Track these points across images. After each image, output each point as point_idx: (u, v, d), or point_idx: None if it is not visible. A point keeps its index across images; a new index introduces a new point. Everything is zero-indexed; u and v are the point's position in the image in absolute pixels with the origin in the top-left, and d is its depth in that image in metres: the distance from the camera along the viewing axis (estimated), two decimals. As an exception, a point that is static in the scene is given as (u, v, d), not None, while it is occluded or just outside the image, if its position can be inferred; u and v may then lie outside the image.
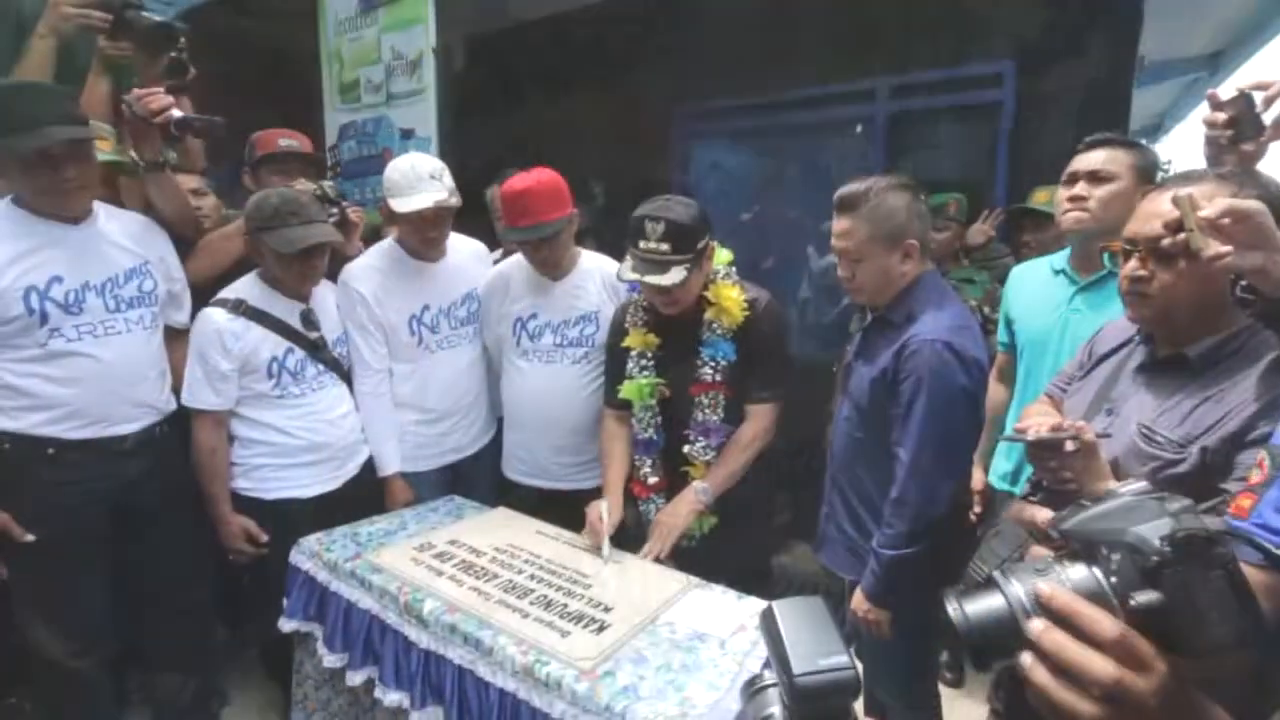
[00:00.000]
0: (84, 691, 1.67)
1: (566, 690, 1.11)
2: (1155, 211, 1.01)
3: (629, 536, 2.16)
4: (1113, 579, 0.50)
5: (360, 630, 1.44)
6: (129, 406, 1.65)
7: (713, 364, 1.67)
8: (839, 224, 1.43)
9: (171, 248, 1.82)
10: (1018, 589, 0.51)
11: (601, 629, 1.26)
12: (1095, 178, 1.51)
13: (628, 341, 1.77)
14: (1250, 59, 4.07)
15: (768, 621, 0.57)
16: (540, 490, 2.01)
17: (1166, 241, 0.96)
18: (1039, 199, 2.31)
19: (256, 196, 1.74)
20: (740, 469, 1.68)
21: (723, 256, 1.72)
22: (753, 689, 0.62)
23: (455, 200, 1.91)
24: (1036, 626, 0.48)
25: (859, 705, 1.76)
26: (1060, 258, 1.69)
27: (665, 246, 1.54)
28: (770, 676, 0.61)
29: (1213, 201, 0.87)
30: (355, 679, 1.43)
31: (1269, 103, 1.17)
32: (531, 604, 1.34)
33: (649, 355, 1.75)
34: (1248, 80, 1.20)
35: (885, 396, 1.40)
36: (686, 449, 1.71)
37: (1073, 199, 1.53)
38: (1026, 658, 0.48)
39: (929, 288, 1.42)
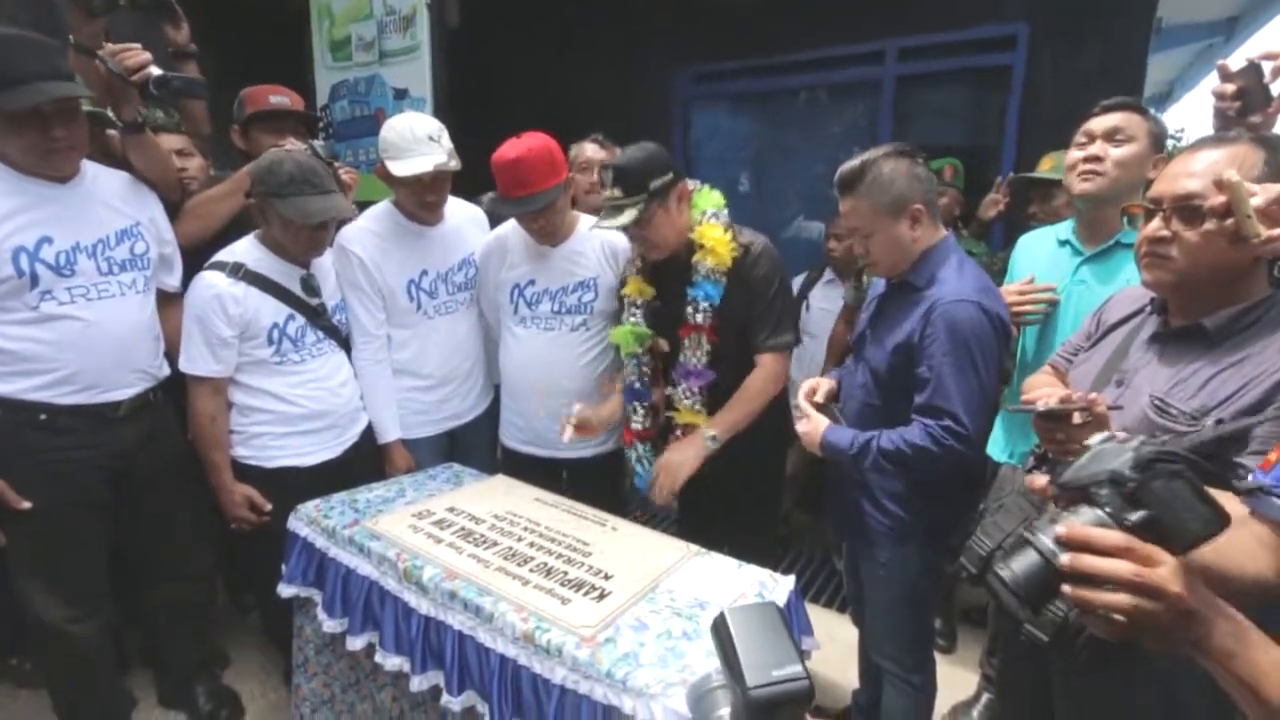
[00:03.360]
0: (85, 656, 1.67)
1: (567, 657, 1.11)
2: (1185, 171, 0.98)
3: (626, 499, 2.17)
4: (1107, 509, 0.64)
5: (359, 596, 1.44)
6: (123, 372, 1.62)
7: (694, 305, 1.66)
8: (843, 205, 1.42)
9: (161, 209, 1.77)
10: (1044, 540, 0.65)
11: (602, 596, 1.26)
12: (1113, 137, 1.47)
13: (624, 290, 1.79)
14: (1267, 24, 3.97)
15: (720, 630, 0.56)
16: (537, 458, 2.00)
17: (1212, 225, 0.93)
18: (1045, 166, 2.24)
19: (269, 160, 1.66)
20: (747, 417, 1.66)
21: (712, 199, 1.71)
22: (700, 691, 0.62)
23: (455, 164, 1.85)
24: (1065, 559, 0.62)
25: (853, 670, 1.80)
26: (1065, 228, 1.65)
27: (618, 191, 1.58)
28: (718, 678, 0.61)
29: (1264, 188, 0.85)
30: (355, 644, 1.44)
31: (1277, 74, 1.14)
32: (531, 571, 1.34)
33: (640, 304, 1.75)
34: (1257, 50, 1.17)
35: (909, 361, 1.37)
36: (669, 391, 1.70)
37: (1089, 159, 1.48)
38: (1067, 587, 0.62)
39: (948, 250, 1.40)
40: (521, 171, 1.70)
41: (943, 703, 1.78)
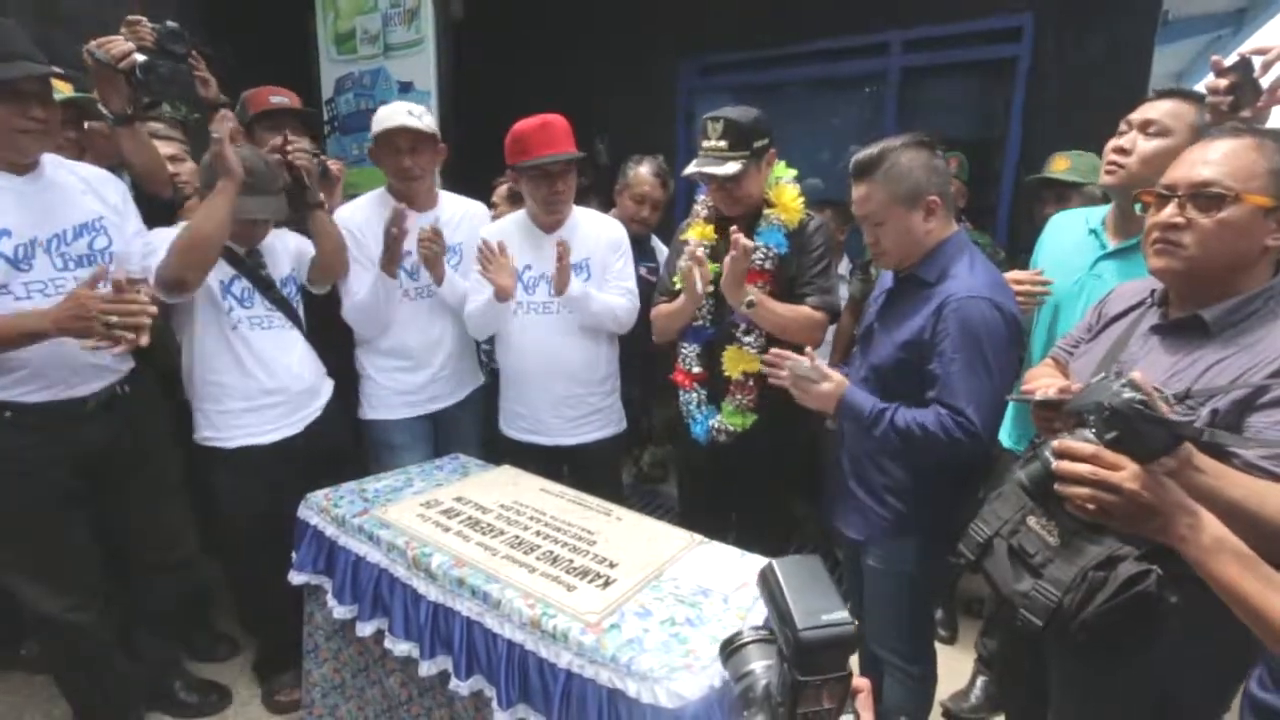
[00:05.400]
0: (87, 642, 1.68)
1: (573, 642, 1.13)
2: (1201, 159, 0.99)
3: (646, 478, 2.18)
4: (1093, 430, 0.84)
5: (369, 583, 1.46)
6: (86, 368, 1.58)
7: (765, 250, 1.72)
8: (857, 191, 1.41)
9: (129, 198, 1.73)
10: (1045, 452, 0.91)
11: (607, 584, 1.28)
12: (1146, 129, 1.41)
13: (686, 234, 1.86)
14: (1277, 16, 3.93)
15: (768, 579, 0.58)
16: (540, 447, 2.02)
17: (1228, 213, 0.94)
18: (1057, 167, 2.19)
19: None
20: (785, 319, 1.70)
21: (787, 170, 1.82)
22: (730, 648, 0.63)
23: (427, 129, 1.93)
24: (1055, 463, 0.86)
25: (854, 662, 1.82)
26: (1097, 215, 1.60)
27: (723, 144, 1.66)
28: (748, 634, 0.62)
29: None
30: (365, 630, 1.47)
31: (1267, 68, 1.15)
32: (538, 559, 1.36)
33: (705, 247, 1.80)
34: (1249, 46, 1.18)
35: (918, 357, 1.36)
36: (736, 334, 1.76)
37: (1116, 150, 1.44)
38: (1057, 485, 0.85)
39: (961, 246, 1.39)
40: (551, 133, 1.83)
41: (943, 691, 1.80)
